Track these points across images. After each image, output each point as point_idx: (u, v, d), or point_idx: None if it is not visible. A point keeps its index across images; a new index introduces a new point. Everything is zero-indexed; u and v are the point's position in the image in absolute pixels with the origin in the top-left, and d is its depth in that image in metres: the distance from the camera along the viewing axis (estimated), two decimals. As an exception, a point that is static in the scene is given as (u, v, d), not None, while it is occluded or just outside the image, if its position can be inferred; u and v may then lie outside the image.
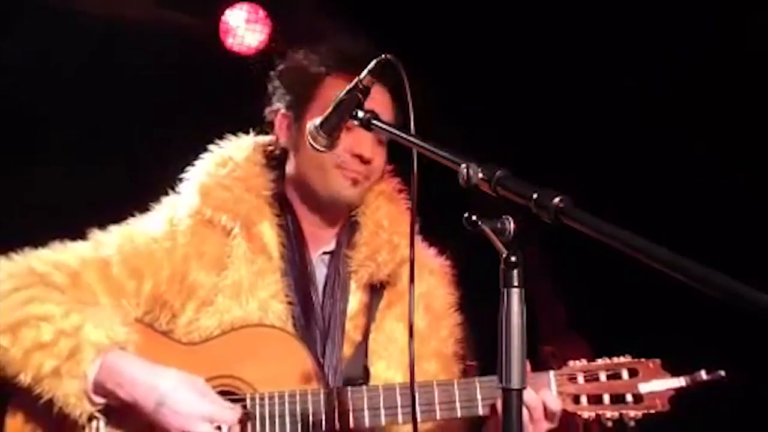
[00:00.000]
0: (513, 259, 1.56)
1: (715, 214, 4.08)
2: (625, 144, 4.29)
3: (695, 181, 4.18)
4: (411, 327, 1.93)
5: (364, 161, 2.40)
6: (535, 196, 1.56)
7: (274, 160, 2.54)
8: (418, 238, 2.52)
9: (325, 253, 2.52)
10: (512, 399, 1.56)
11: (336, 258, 2.50)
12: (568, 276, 4.56)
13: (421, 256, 2.52)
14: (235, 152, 2.52)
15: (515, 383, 1.55)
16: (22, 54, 4.27)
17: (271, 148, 2.55)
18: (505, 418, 1.58)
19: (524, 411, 2.11)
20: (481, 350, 2.77)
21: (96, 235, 2.46)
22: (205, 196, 2.44)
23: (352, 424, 2.25)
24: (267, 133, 2.59)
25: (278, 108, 2.52)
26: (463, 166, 1.70)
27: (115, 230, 2.46)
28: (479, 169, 1.69)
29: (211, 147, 2.54)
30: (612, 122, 4.31)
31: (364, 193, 2.49)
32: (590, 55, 4.29)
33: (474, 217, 1.64)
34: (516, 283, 1.56)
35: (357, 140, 2.37)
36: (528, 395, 2.15)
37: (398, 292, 2.49)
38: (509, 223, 1.62)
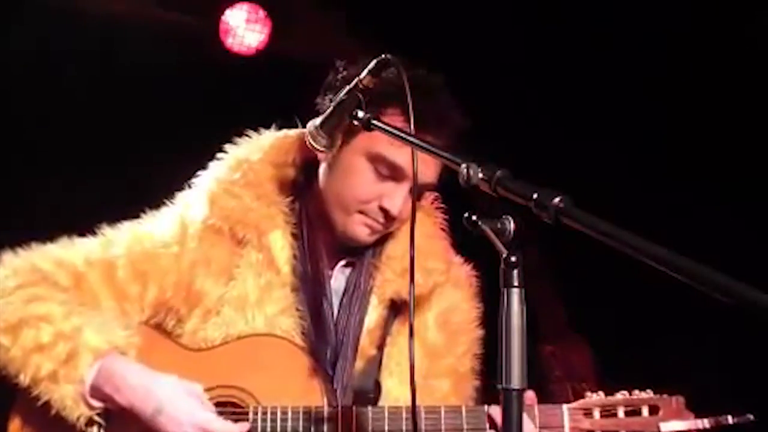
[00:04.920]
0: (513, 259, 1.55)
1: (717, 214, 4.08)
2: (626, 144, 4.29)
3: (697, 182, 4.18)
4: (411, 327, 1.92)
5: (389, 217, 2.27)
6: (535, 196, 1.56)
7: (297, 157, 2.38)
8: (451, 252, 2.46)
9: (347, 264, 2.41)
10: (512, 399, 1.56)
11: (358, 269, 2.39)
12: (568, 276, 4.56)
13: (451, 269, 2.44)
14: (251, 153, 2.38)
15: (515, 383, 1.55)
16: (22, 54, 4.28)
17: (295, 145, 2.37)
18: (505, 418, 1.57)
19: None
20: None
21: (106, 232, 2.39)
22: (213, 205, 2.34)
23: None
24: (293, 126, 2.42)
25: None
26: (464, 166, 1.70)
27: (125, 228, 2.39)
28: (479, 169, 1.68)
29: (227, 147, 2.42)
30: (613, 122, 4.31)
31: (382, 235, 2.36)
32: (591, 55, 4.29)
33: (474, 217, 1.64)
34: (516, 283, 1.55)
35: (389, 193, 2.25)
36: (526, 428, 2.08)
37: (418, 310, 2.35)
38: (509, 223, 1.62)
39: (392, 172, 2.24)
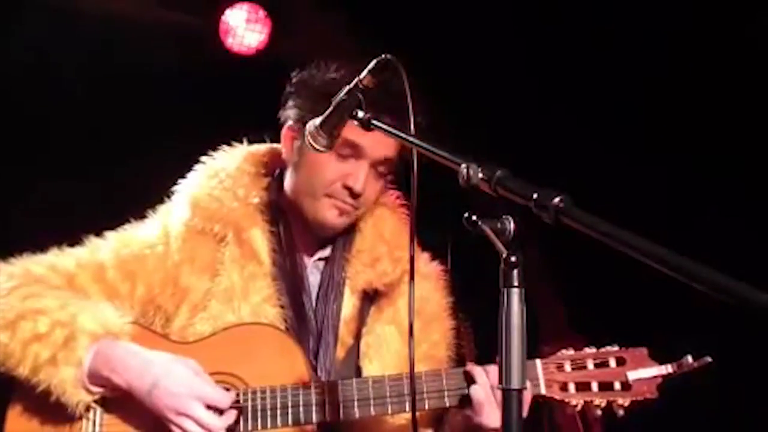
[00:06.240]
0: (513, 259, 1.56)
1: (717, 214, 4.08)
2: (626, 144, 4.29)
3: (697, 182, 4.18)
4: (411, 326, 1.96)
5: (354, 195, 2.39)
6: (535, 196, 1.56)
7: (269, 168, 2.55)
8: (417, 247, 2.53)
9: (320, 259, 2.53)
10: (512, 399, 1.56)
11: (331, 263, 2.51)
12: (568, 276, 4.56)
13: (418, 262, 2.50)
14: (226, 163, 2.53)
15: (515, 383, 1.55)
16: (22, 54, 4.28)
17: (264, 158, 2.56)
18: (505, 418, 1.57)
19: (493, 394, 2.20)
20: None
21: (92, 240, 2.50)
22: (195, 207, 2.47)
23: (341, 416, 2.27)
24: (262, 141, 2.61)
25: (286, 119, 2.47)
26: (463, 166, 1.70)
27: (111, 236, 2.50)
28: (479, 169, 1.68)
29: (203, 159, 2.55)
30: (614, 122, 4.31)
31: (352, 220, 2.48)
32: (591, 54, 4.29)
33: (474, 217, 1.64)
34: (516, 283, 1.56)
35: (351, 172, 2.37)
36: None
37: (390, 298, 2.50)
38: (509, 223, 1.62)
39: (352, 151, 2.36)
